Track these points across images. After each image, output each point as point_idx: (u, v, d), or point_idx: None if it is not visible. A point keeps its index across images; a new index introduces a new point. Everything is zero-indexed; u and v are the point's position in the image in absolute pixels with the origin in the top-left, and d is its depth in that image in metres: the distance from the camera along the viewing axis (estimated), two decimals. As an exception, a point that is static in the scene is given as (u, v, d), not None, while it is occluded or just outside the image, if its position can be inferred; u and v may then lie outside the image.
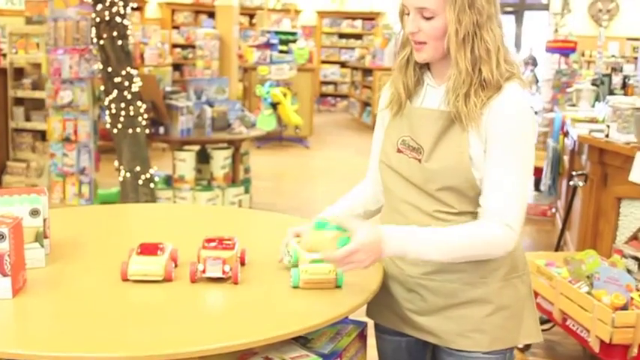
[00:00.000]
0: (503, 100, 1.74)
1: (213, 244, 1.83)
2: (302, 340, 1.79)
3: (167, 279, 1.81)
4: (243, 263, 1.90)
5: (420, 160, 1.82)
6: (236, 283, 1.78)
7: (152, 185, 5.60)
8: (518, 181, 1.73)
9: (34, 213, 1.88)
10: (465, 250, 1.74)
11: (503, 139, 1.74)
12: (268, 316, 1.65)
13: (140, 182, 5.50)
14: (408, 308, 1.93)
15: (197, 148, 6.24)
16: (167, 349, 1.45)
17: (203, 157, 6.19)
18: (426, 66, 1.89)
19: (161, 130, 5.91)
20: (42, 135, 7.04)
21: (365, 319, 2.01)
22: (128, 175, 5.49)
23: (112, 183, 6.25)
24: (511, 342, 1.90)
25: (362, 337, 1.94)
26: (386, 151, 1.92)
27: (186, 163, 5.95)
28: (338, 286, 1.81)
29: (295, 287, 1.78)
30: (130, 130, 5.46)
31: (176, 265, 1.90)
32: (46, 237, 1.96)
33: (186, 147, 6.15)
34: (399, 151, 1.88)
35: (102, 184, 6.37)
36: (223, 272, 1.75)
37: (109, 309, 1.67)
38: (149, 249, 1.85)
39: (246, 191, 6.38)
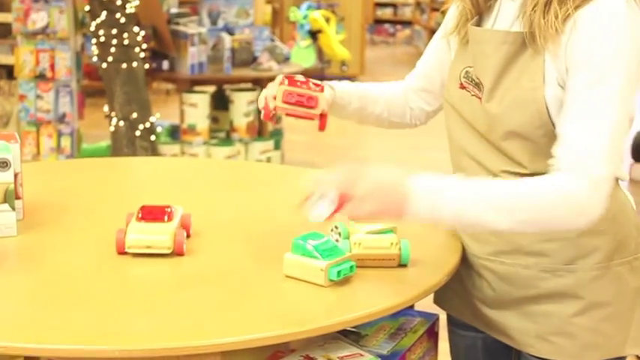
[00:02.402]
0: (596, 11, 1.70)
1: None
2: (353, 336, 1.80)
3: (177, 252, 1.82)
4: (188, 235, 1.92)
5: (481, 100, 1.85)
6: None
7: (153, 137, 5.68)
8: (611, 123, 1.68)
9: (2, 165, 1.90)
10: (532, 210, 1.68)
11: (592, 64, 1.70)
12: (307, 302, 1.66)
13: (137, 133, 5.58)
14: (477, 297, 1.97)
15: (212, 89, 6.30)
16: (176, 342, 1.46)
17: (220, 102, 6.26)
18: None
19: (165, 65, 5.98)
20: (8, 71, 7.08)
21: (436, 309, 2.04)
22: (122, 123, 5.58)
23: (101, 135, 6.33)
24: (612, 352, 1.89)
25: (432, 333, 1.95)
26: (449, 86, 1.95)
27: (198, 109, 6.03)
28: (402, 265, 1.82)
29: None
30: (124, 65, 5.51)
31: (189, 235, 1.91)
32: (18, 197, 1.98)
33: (198, 88, 6.22)
34: (461, 86, 1.91)
35: (87, 135, 6.41)
36: None
37: (100, 291, 1.68)
38: (153, 213, 1.86)
39: (277, 147, 6.50)
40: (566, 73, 1.73)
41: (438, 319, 1.98)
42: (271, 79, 6.77)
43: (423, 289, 1.73)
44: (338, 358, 1.69)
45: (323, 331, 1.58)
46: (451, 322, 2.11)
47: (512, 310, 1.90)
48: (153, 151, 5.67)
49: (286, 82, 1.92)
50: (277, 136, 6.57)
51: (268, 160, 6.32)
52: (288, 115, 1.93)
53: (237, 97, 6.19)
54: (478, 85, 1.85)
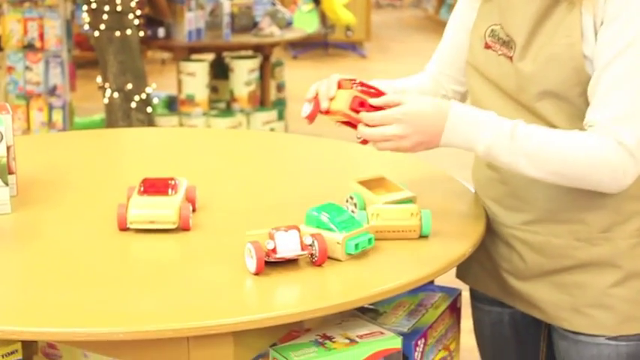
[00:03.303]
0: None
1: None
2: (370, 314, 1.80)
3: (183, 227, 1.81)
4: (194, 208, 1.91)
5: (511, 59, 1.84)
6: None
7: (150, 109, 5.67)
8: None
9: None
10: (566, 164, 1.71)
11: (628, 17, 1.70)
12: (323, 278, 1.65)
13: (133, 105, 5.57)
14: (505, 269, 1.96)
15: (211, 57, 6.30)
16: (184, 322, 1.44)
17: (220, 70, 6.25)
18: None
19: (160, 32, 5.96)
20: None
21: (457, 283, 2.03)
22: (116, 95, 5.56)
23: (94, 107, 6.32)
24: None
25: (454, 309, 1.95)
26: (472, 47, 1.94)
27: (196, 78, 6.02)
28: (423, 236, 1.81)
29: None
30: (118, 33, 5.49)
31: (194, 209, 1.90)
32: (11, 172, 1.97)
33: (196, 56, 6.20)
34: (487, 46, 1.89)
35: (80, 109, 6.40)
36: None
37: (102, 269, 1.67)
38: (156, 186, 1.86)
39: (280, 117, 6.47)
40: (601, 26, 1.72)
41: (460, 294, 1.97)
42: (273, 45, 6.74)
43: (445, 263, 1.73)
44: (357, 336, 1.68)
45: (340, 309, 1.57)
46: (475, 297, 2.11)
47: (544, 282, 1.89)
48: (149, 123, 5.65)
49: (359, 87, 1.84)
50: (280, 105, 6.56)
51: (271, 131, 6.20)
52: (346, 124, 1.85)
53: (237, 65, 6.18)
54: (507, 43, 1.84)
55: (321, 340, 1.66)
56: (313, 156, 2.46)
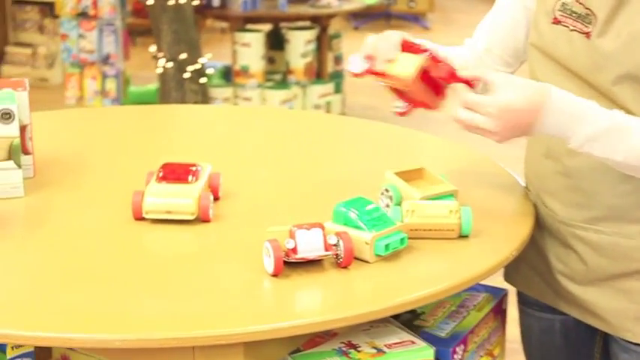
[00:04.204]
0: None
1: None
2: (407, 315, 1.74)
3: (202, 219, 1.74)
4: (216, 197, 1.86)
5: (588, 35, 1.74)
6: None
7: (204, 80, 5.62)
8: None
9: (5, 117, 1.85)
10: None
11: None
12: (349, 282, 1.56)
13: (187, 75, 5.53)
14: (561, 272, 1.87)
15: (267, 27, 6.28)
16: (190, 330, 1.36)
17: (276, 41, 6.23)
18: None
19: (215, 1, 5.95)
20: (52, 9, 7.13)
21: (502, 283, 1.97)
22: (170, 65, 5.53)
23: (149, 77, 6.32)
24: None
25: (499, 311, 1.87)
26: (537, 23, 1.85)
27: (251, 49, 5.99)
28: (463, 236, 1.73)
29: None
30: (172, 2, 5.45)
31: (217, 198, 1.84)
32: (26, 152, 1.95)
33: (252, 26, 6.17)
34: (555, 21, 1.80)
35: (137, 77, 6.47)
36: None
37: (110, 265, 1.61)
38: (176, 173, 1.79)
39: (337, 90, 6.43)
40: None
41: (506, 294, 1.91)
42: (330, 16, 6.68)
43: (488, 266, 1.64)
44: (385, 345, 1.61)
45: (366, 319, 1.50)
46: (523, 301, 2.03)
47: (607, 287, 1.81)
48: (203, 94, 5.63)
49: (427, 55, 1.72)
50: (338, 78, 6.50)
51: (328, 104, 6.28)
52: (394, 90, 1.75)
53: (293, 36, 6.14)
54: (584, 18, 1.75)
55: (345, 349, 1.58)
56: (356, 140, 2.37)
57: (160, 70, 5.58)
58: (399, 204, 1.75)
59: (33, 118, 1.97)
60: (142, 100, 6.18)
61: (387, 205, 1.78)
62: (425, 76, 1.70)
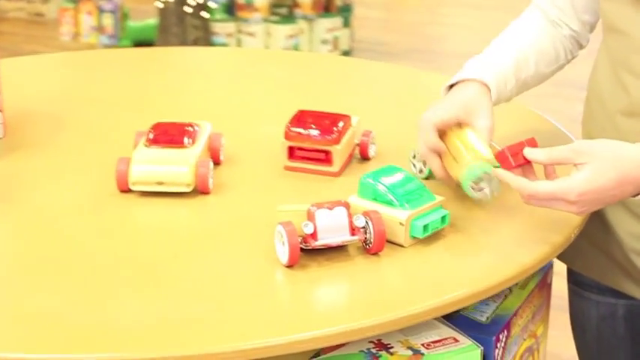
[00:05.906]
0: None
1: None
2: None
3: (200, 190, 1.56)
4: (218, 162, 1.69)
5: None
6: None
7: (206, 14, 5.59)
8: None
9: None
10: None
11: None
12: (378, 274, 1.35)
13: (188, 10, 5.49)
14: (634, 250, 1.71)
15: None
16: (174, 347, 1.12)
17: None
18: None
19: None
20: None
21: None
22: (169, -2, 5.44)
23: (147, 11, 6.25)
24: None
25: (544, 285, 1.73)
26: None
27: None
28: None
29: None
30: None
31: (218, 163, 1.67)
32: None
33: None
34: None
35: (137, 11, 6.43)
36: None
37: (78, 257, 1.38)
38: (169, 134, 1.60)
39: (345, 24, 6.43)
40: None
41: (551, 266, 1.76)
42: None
43: (545, 252, 1.45)
44: (422, 345, 1.41)
45: (407, 323, 1.27)
46: (577, 282, 1.86)
47: None
48: (205, 30, 5.62)
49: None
50: (346, 12, 6.51)
51: (335, 39, 6.29)
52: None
53: (300, -33, 6.18)
54: None
55: (374, 351, 1.38)
56: (381, 89, 2.18)
57: (159, 4, 5.55)
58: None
59: (3, 66, 1.79)
60: (141, 36, 6.20)
61: (421, 171, 1.60)
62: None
